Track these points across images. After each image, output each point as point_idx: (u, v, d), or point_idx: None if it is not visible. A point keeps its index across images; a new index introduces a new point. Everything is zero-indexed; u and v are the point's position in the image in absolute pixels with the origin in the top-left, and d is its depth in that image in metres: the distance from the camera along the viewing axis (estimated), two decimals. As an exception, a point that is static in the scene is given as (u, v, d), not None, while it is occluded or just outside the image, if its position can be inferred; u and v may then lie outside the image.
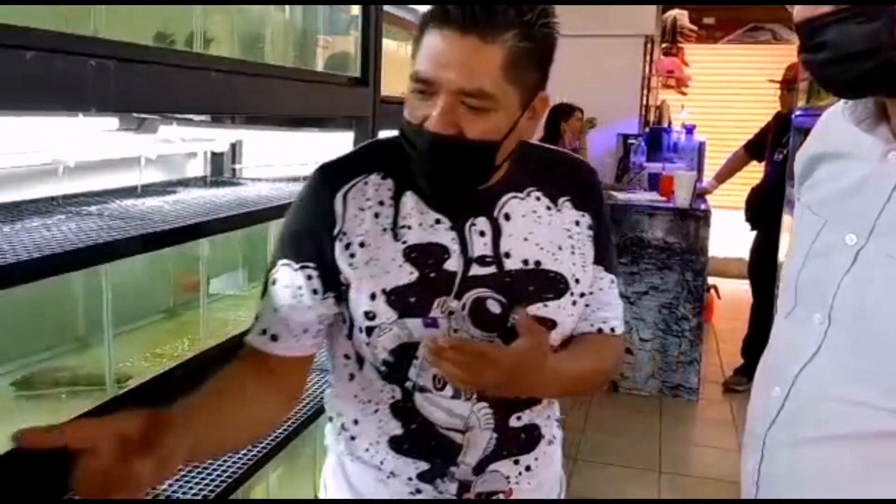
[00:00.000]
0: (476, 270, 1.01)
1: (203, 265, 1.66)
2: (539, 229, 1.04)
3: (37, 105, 1.01)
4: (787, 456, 0.98)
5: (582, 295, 1.07)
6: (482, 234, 1.01)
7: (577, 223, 1.08)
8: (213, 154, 2.21)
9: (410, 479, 1.04)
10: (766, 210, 4.24)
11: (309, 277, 1.00)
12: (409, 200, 1.01)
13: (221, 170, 2.26)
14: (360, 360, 1.05)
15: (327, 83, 1.71)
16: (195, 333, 1.65)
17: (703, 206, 4.33)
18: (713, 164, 5.47)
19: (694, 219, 4.19)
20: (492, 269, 1.01)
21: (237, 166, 2.29)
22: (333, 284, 1.01)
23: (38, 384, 1.32)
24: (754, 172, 4.82)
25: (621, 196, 4.54)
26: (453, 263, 1.00)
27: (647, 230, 4.20)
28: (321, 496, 1.18)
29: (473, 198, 1.02)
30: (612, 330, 1.13)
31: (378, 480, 1.07)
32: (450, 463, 1.03)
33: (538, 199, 1.06)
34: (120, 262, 1.30)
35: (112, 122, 1.50)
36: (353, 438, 1.08)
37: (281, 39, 1.69)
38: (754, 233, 4.53)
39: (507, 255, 1.02)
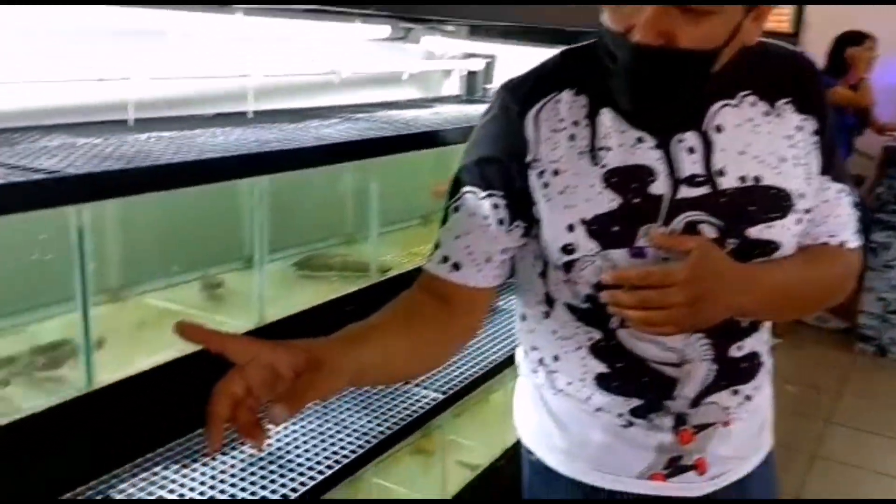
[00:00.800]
0: (686, 192, 0.89)
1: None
2: (757, 140, 0.91)
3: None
4: None
5: (807, 211, 0.93)
6: (691, 150, 0.90)
7: (801, 129, 0.93)
8: (469, 73, 2.29)
9: (621, 414, 0.99)
10: None
11: (495, 206, 0.93)
12: (607, 118, 0.91)
13: (475, 89, 2.33)
14: (551, 302, 0.99)
15: (588, -7, 1.65)
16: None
17: None
18: None
19: None
20: (704, 190, 0.89)
21: (490, 86, 2.34)
22: (522, 214, 0.94)
23: (314, 266, 1.49)
24: None
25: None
26: (660, 186, 0.90)
27: (944, 177, 3.61)
28: (517, 421, 1.14)
29: (679, 109, 0.90)
30: (842, 245, 0.98)
31: (584, 412, 1.01)
32: (664, 397, 0.97)
33: (753, 104, 0.93)
34: (384, 171, 1.40)
35: (384, 30, 1.59)
36: (553, 373, 1.03)
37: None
38: None
39: (721, 173, 0.90)
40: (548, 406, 1.05)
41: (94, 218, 1.05)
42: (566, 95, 0.93)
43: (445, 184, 0.97)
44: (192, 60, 1.44)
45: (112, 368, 1.12)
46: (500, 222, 0.93)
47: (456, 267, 0.94)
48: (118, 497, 1.09)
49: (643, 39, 0.80)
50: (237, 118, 1.52)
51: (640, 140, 0.90)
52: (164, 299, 1.34)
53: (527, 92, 0.94)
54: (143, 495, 1.10)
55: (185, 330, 0.69)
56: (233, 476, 1.16)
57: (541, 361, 1.04)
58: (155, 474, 1.15)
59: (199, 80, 1.51)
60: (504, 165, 0.93)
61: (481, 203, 0.93)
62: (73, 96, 1.32)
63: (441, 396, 1.49)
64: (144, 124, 1.35)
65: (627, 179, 0.90)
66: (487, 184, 0.93)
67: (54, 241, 1.04)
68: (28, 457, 1.02)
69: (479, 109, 1.99)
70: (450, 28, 1.85)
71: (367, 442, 1.31)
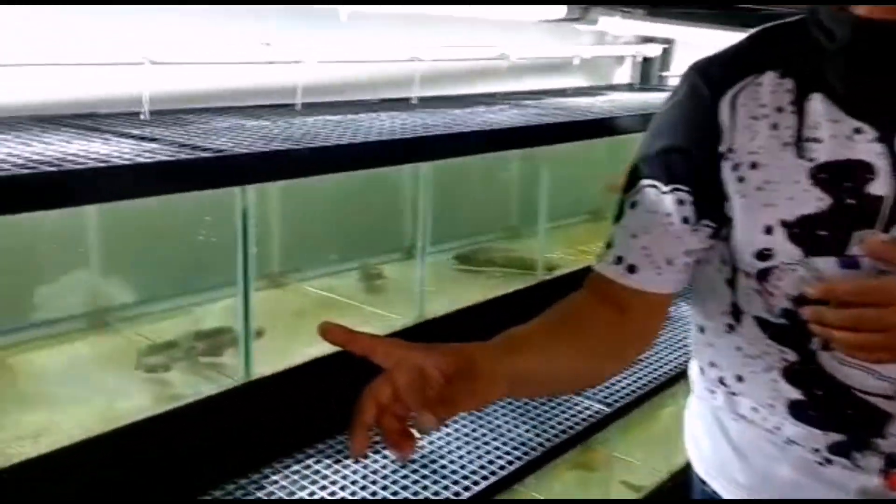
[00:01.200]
0: None
1: (630, 168, 1.63)
2: None
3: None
4: None
5: None
6: None
7: None
8: (645, 59, 2.17)
9: (817, 449, 0.87)
10: None
11: (680, 202, 0.84)
12: (818, 105, 0.81)
13: (649, 77, 2.20)
14: (738, 314, 0.89)
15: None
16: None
17: None
18: None
19: None
20: None
21: (666, 73, 2.21)
22: (710, 212, 0.84)
23: (476, 261, 1.45)
24: None
25: None
26: (881, 185, 0.78)
27: None
28: (689, 445, 1.03)
29: None
30: None
31: (771, 444, 0.91)
32: (873, 434, 0.84)
33: None
34: (552, 162, 1.30)
35: (559, 10, 1.50)
36: (734, 395, 0.93)
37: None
38: None
39: None
40: (726, 432, 0.95)
41: (257, 202, 1.04)
42: (769, 78, 0.82)
43: (620, 177, 0.87)
44: (360, 43, 1.42)
45: (270, 358, 1.11)
46: (685, 220, 0.84)
47: (631, 269, 0.85)
48: (269, 489, 1.08)
49: (867, 13, 0.71)
50: (401, 104, 1.50)
51: (857, 131, 0.79)
52: (322, 287, 1.33)
53: (721, 73, 0.84)
54: (294, 489, 1.08)
55: (329, 331, 0.66)
56: (384, 478, 1.12)
57: (720, 381, 0.93)
58: (307, 467, 1.13)
59: (366, 65, 1.49)
60: (692, 156, 0.83)
61: (664, 198, 0.84)
62: (243, 79, 1.33)
63: (606, 409, 1.39)
64: (311, 108, 1.35)
65: (840, 177, 0.79)
66: (671, 176, 0.83)
67: (219, 223, 1.04)
68: (188, 445, 1.03)
69: (654, 98, 1.88)
70: (628, 9, 1.72)
71: (525, 453, 1.23)
